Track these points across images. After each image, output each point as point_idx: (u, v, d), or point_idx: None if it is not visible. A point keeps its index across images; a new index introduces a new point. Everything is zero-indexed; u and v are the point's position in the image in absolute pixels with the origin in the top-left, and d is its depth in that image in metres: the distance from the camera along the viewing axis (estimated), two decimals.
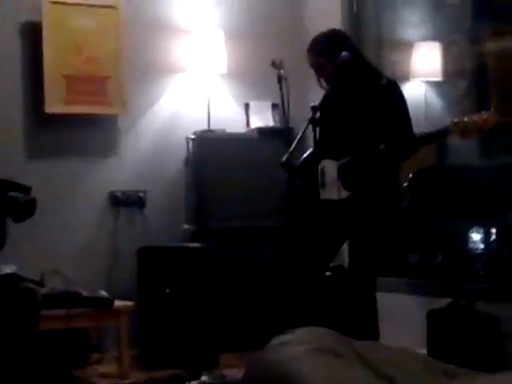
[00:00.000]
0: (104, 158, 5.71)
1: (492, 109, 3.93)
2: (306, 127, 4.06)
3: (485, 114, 3.78)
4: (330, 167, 4.22)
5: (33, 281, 4.49)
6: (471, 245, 5.42)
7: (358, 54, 4.39)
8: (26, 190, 4.53)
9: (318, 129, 4.07)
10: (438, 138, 4.16)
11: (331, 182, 4.22)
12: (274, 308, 5.33)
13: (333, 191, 4.21)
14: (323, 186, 4.25)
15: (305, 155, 4.43)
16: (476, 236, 5.43)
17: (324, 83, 4.33)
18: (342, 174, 4.17)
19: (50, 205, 5.49)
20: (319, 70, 4.35)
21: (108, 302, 4.79)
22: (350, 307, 4.34)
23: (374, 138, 4.10)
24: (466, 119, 3.79)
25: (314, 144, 4.16)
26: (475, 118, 3.78)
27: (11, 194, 4.42)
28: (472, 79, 5.79)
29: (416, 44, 6.07)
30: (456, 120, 3.83)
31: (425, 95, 6.03)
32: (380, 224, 4.26)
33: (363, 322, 4.25)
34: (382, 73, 4.46)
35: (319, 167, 4.27)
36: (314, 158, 4.27)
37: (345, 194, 4.18)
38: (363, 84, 4.27)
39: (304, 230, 4.42)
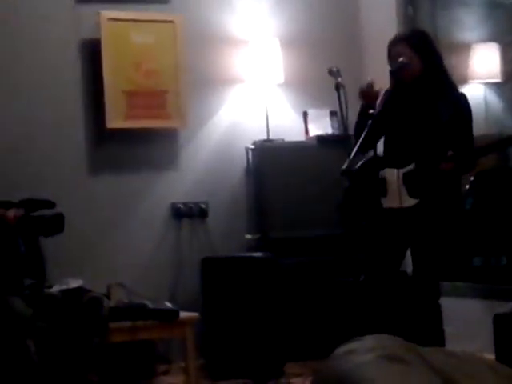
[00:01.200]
0: (165, 170, 5.77)
1: None
2: (365, 134, 4.06)
3: None
4: (391, 176, 4.20)
5: (99, 294, 4.58)
6: None
7: (438, 60, 4.34)
8: (51, 205, 4.64)
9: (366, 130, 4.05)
10: None
11: (393, 191, 4.20)
12: (338, 316, 5.32)
13: (395, 200, 4.19)
14: (385, 194, 4.22)
15: (362, 162, 4.37)
16: None
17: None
18: (408, 182, 4.14)
19: (113, 219, 5.59)
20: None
21: (173, 314, 4.83)
22: (414, 313, 4.31)
23: (439, 145, 4.07)
24: None
25: (373, 151, 4.16)
26: None
27: (38, 212, 4.54)
28: None
29: (474, 45, 6.02)
30: None
31: (484, 97, 5.98)
32: (444, 229, 4.23)
33: (428, 328, 4.22)
34: (454, 83, 4.40)
35: (380, 176, 4.26)
36: (375, 166, 4.25)
37: (408, 201, 4.15)
38: (431, 92, 4.24)
39: (365, 239, 4.40)
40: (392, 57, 4.29)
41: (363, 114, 4.21)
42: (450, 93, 4.23)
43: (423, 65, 4.23)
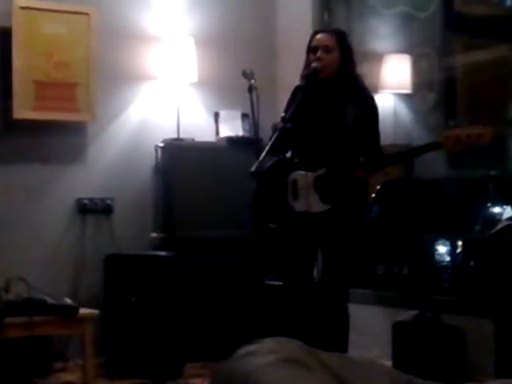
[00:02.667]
0: (72, 164, 5.67)
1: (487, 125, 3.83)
2: (276, 137, 4.06)
3: (479, 129, 3.74)
4: (302, 179, 4.21)
5: None
6: (437, 257, 5.46)
7: (353, 62, 4.35)
8: None
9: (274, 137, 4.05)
10: (427, 151, 4.14)
11: (304, 194, 4.19)
12: (241, 318, 5.32)
13: (304, 203, 4.19)
14: (296, 197, 4.21)
15: (271, 163, 4.34)
16: (442, 248, 5.46)
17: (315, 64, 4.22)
18: (320, 187, 4.15)
19: (16, 211, 5.47)
20: (324, 53, 4.22)
21: (73, 310, 4.74)
22: (321, 318, 4.32)
23: (348, 149, 4.10)
24: (457, 132, 3.77)
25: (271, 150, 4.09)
26: (468, 131, 3.74)
27: None
28: (441, 92, 5.83)
29: (386, 56, 6.10)
30: (447, 134, 3.80)
31: (394, 107, 6.06)
32: (354, 234, 4.25)
33: (334, 334, 4.23)
34: (366, 86, 4.42)
35: (291, 178, 4.25)
36: (286, 167, 4.25)
37: (318, 206, 4.16)
38: (341, 92, 4.26)
39: (273, 242, 4.39)
40: (313, 46, 4.27)
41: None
42: (359, 94, 4.26)
43: (341, 62, 4.25)
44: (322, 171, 4.14)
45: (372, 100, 4.31)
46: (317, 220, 4.19)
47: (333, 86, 4.26)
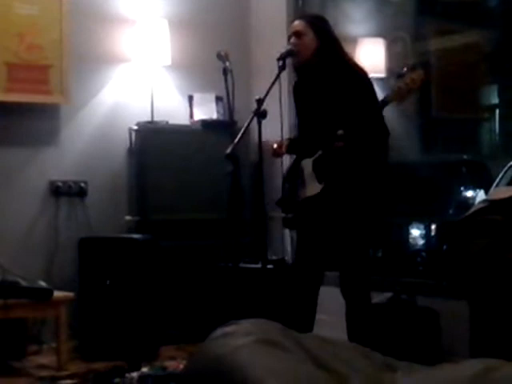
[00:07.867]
0: (45, 147, 5.64)
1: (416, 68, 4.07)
2: (251, 120, 4.04)
3: (412, 74, 3.93)
4: (305, 166, 4.21)
5: None
6: (411, 240, 5.48)
7: (334, 40, 4.33)
8: None
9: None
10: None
11: (308, 181, 4.18)
12: (215, 300, 5.32)
13: (307, 189, 4.19)
14: (304, 185, 4.21)
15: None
16: (416, 232, 5.49)
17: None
18: (316, 168, 4.14)
19: None
20: (296, 39, 4.24)
21: (47, 293, 4.73)
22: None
23: (338, 126, 4.06)
24: (398, 85, 3.96)
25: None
26: (406, 80, 3.92)
27: None
28: None
29: (360, 39, 6.10)
30: (393, 89, 4.00)
31: None
32: (366, 215, 4.22)
33: (356, 326, 4.22)
34: (354, 61, 4.38)
35: (300, 168, 4.25)
36: (295, 161, 4.26)
37: (315, 188, 4.12)
38: (332, 76, 4.22)
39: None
40: (289, 34, 4.32)
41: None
42: (351, 73, 4.20)
43: (317, 45, 4.23)
44: (318, 154, 4.13)
45: (365, 75, 4.24)
46: (317, 203, 4.16)
47: (320, 69, 4.23)
